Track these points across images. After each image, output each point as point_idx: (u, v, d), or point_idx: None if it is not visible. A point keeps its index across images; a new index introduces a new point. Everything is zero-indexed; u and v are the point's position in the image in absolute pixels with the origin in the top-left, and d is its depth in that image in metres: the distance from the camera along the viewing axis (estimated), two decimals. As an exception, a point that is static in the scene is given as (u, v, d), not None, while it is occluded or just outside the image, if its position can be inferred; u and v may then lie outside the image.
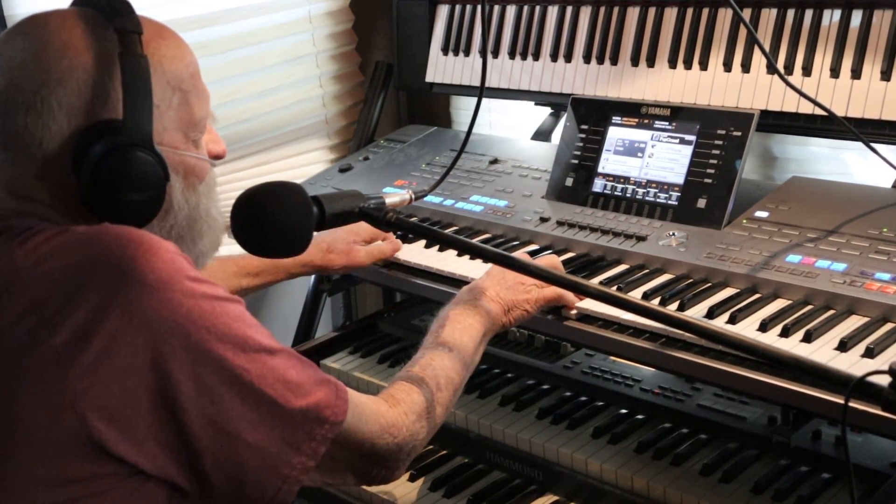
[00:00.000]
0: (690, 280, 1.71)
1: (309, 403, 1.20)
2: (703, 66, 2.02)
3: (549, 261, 1.69)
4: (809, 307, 1.57)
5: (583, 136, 2.04)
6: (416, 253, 1.96)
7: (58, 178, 1.21)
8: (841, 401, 1.17)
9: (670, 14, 2.09)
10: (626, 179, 1.95)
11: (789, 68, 1.90)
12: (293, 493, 1.21)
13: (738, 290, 1.65)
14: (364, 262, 1.94)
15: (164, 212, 1.27)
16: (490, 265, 1.68)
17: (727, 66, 1.98)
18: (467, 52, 2.45)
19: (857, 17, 1.85)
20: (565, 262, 1.81)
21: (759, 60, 1.94)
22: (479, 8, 2.39)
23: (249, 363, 1.15)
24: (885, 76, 1.80)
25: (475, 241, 1.91)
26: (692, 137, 1.89)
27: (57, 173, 1.21)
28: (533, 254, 1.88)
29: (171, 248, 1.15)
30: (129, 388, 1.09)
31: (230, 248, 2.42)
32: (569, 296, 1.64)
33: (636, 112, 1.99)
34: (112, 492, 1.11)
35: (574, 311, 1.65)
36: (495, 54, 2.38)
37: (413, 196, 1.68)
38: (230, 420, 1.14)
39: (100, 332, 1.08)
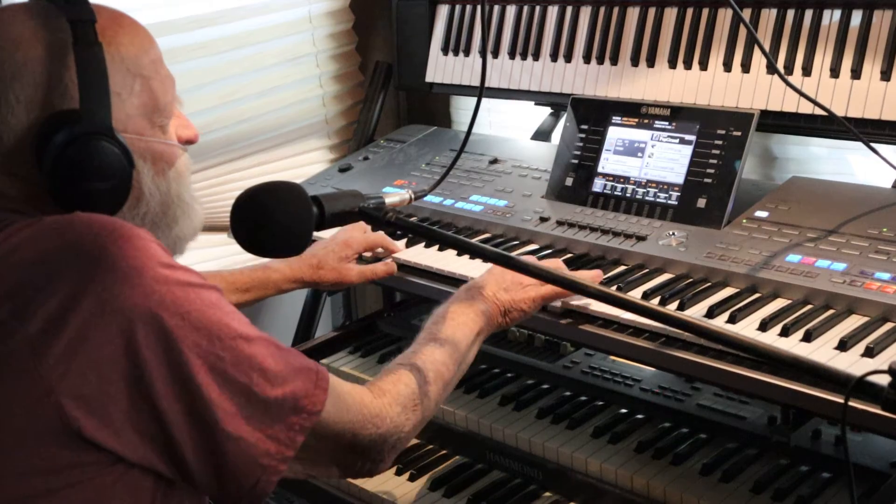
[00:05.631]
0: (690, 280, 1.71)
1: (286, 392, 1.18)
2: (703, 66, 2.02)
3: (553, 265, 1.67)
4: (809, 307, 1.57)
5: (583, 136, 2.04)
6: (415, 253, 1.96)
7: (23, 172, 1.21)
8: (841, 400, 1.18)
9: (670, 14, 2.09)
10: (626, 179, 1.95)
11: (789, 68, 1.90)
12: (273, 483, 1.20)
13: (737, 290, 1.65)
14: (354, 281, 1.92)
15: (135, 199, 1.26)
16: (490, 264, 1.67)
17: (727, 66, 1.98)
18: (467, 52, 2.45)
19: (857, 17, 1.85)
20: (565, 262, 1.81)
21: (759, 60, 1.94)
22: (479, 8, 2.39)
23: (224, 351, 1.14)
24: (885, 76, 1.80)
25: (475, 241, 1.91)
26: (692, 137, 1.89)
27: (21, 167, 1.21)
28: (532, 254, 1.88)
29: (143, 235, 1.14)
30: (104, 375, 1.09)
31: (229, 248, 2.42)
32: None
33: (636, 112, 1.99)
34: (94, 480, 1.11)
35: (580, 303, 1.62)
36: (495, 54, 2.38)
37: (413, 196, 1.68)
38: (206, 408, 1.13)
39: (73, 320, 1.08)
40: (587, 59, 2.21)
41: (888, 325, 1.48)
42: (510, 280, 1.60)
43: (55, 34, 1.21)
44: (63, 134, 1.19)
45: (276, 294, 1.93)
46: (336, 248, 1.92)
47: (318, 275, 1.90)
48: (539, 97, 2.33)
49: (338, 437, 1.27)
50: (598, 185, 1.99)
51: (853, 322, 1.51)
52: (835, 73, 1.85)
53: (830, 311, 1.54)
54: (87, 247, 1.11)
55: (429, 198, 2.09)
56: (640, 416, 1.95)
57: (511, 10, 2.36)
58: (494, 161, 2.26)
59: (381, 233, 1.96)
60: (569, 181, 2.03)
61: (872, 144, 1.76)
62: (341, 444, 1.29)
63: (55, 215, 1.17)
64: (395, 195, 1.60)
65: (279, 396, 1.18)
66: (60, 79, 1.20)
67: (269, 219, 1.42)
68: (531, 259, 1.72)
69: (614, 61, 2.16)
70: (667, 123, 1.94)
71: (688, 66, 2.04)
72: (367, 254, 1.95)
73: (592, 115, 2.05)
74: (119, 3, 1.29)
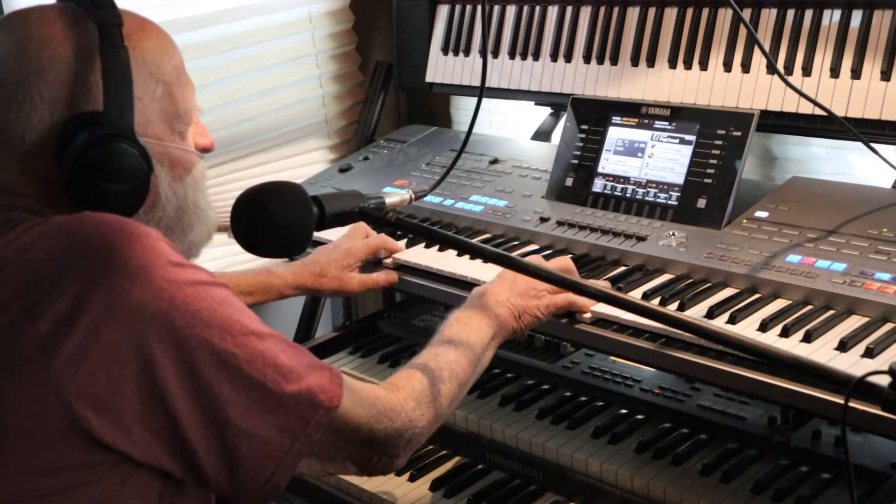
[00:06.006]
0: (690, 280, 1.71)
1: (301, 388, 1.18)
2: (703, 66, 2.02)
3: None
4: (809, 307, 1.57)
5: (583, 136, 2.04)
6: (416, 253, 1.96)
7: (42, 170, 1.21)
8: (841, 401, 1.18)
9: (670, 14, 2.09)
10: (626, 179, 1.95)
11: (789, 68, 1.90)
12: (286, 479, 1.20)
13: (738, 290, 1.65)
14: (356, 290, 1.93)
15: (151, 203, 1.27)
16: (501, 268, 1.66)
17: (727, 66, 1.98)
18: (467, 52, 2.45)
19: (857, 17, 1.85)
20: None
21: (759, 60, 1.94)
22: (479, 8, 2.39)
23: (237, 347, 1.14)
24: (885, 76, 1.80)
25: (475, 241, 1.91)
26: (692, 137, 1.89)
27: (41, 166, 1.21)
28: (534, 254, 1.88)
29: (152, 234, 1.15)
30: (115, 375, 1.09)
31: (229, 248, 2.42)
32: (581, 301, 1.61)
33: (636, 112, 1.99)
34: (102, 481, 1.11)
35: (588, 315, 1.62)
36: (495, 54, 2.38)
37: (413, 196, 1.68)
38: (219, 406, 1.13)
39: (82, 319, 1.08)
40: (587, 59, 2.21)
41: (888, 326, 1.48)
42: (523, 285, 1.59)
43: (82, 36, 1.21)
44: (85, 135, 1.19)
45: (277, 299, 1.93)
46: (339, 256, 1.92)
47: (319, 282, 1.91)
48: (539, 97, 2.33)
49: (353, 432, 1.27)
50: (598, 185, 1.99)
51: (853, 322, 1.51)
52: (835, 73, 1.85)
53: (830, 312, 1.54)
54: (96, 246, 1.11)
55: (429, 198, 2.09)
56: (640, 417, 1.95)
57: (511, 10, 2.36)
58: (494, 161, 2.26)
59: (382, 235, 1.96)
60: (569, 181, 2.03)
61: (872, 144, 1.76)
62: (357, 440, 1.28)
63: (65, 215, 1.17)
64: (395, 195, 1.60)
65: (295, 392, 1.18)
66: (85, 80, 1.21)
67: (270, 219, 1.42)
68: (538, 259, 1.73)
69: (614, 61, 2.16)
70: (667, 123, 1.94)
71: (688, 66, 2.04)
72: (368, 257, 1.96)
73: (592, 115, 2.05)
74: (121, 3, 1.29)
